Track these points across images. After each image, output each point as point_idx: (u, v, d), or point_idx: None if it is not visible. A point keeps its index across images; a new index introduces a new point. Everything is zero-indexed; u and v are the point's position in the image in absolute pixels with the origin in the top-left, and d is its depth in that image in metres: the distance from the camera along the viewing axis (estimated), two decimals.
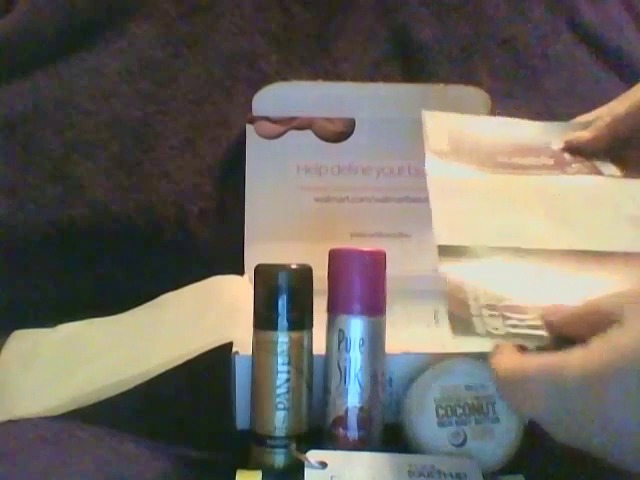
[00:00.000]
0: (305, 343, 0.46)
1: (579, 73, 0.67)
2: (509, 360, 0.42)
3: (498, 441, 0.46)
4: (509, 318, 0.42)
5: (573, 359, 0.38)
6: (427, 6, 0.65)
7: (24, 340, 0.58)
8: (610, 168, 0.54)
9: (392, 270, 0.48)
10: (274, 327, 0.46)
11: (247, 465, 0.46)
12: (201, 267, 0.57)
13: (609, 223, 0.49)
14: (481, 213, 0.49)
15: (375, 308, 0.47)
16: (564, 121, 0.58)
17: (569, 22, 0.68)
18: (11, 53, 0.64)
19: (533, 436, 0.47)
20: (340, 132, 0.62)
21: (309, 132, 0.62)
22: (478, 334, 0.41)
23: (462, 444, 0.46)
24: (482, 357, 0.47)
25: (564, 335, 0.41)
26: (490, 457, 0.46)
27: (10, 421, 0.49)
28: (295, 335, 0.46)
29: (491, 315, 0.42)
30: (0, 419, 0.49)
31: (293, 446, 0.45)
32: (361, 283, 0.47)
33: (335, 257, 0.47)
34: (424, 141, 0.53)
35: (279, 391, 0.46)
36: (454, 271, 0.44)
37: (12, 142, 0.62)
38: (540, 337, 0.41)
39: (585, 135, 0.55)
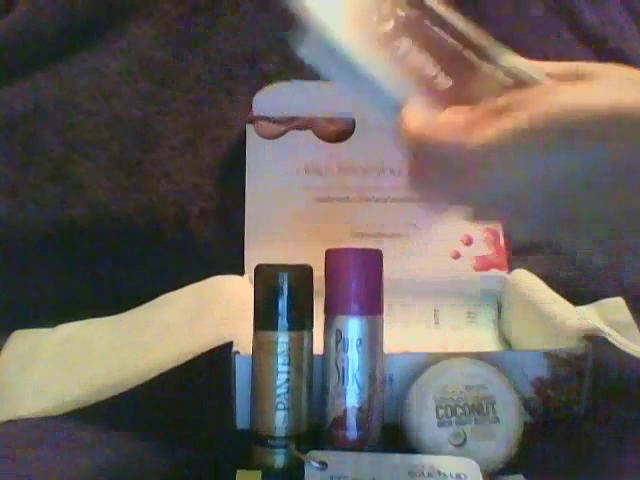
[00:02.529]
0: (305, 343, 0.46)
1: None
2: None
3: (498, 441, 0.46)
4: None
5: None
6: None
7: (24, 340, 0.58)
8: None
9: (392, 270, 0.48)
10: (274, 327, 0.46)
11: (247, 465, 0.46)
12: (201, 267, 0.57)
13: None
14: None
15: (372, 308, 0.47)
16: None
17: (569, 22, 0.68)
18: (11, 53, 0.64)
19: (533, 436, 0.47)
20: (340, 132, 0.62)
21: (309, 132, 0.62)
22: None
23: (462, 444, 0.46)
24: (482, 357, 0.47)
25: None
26: (490, 457, 0.45)
27: (10, 421, 0.49)
28: (295, 335, 0.46)
29: None
30: (0, 419, 0.49)
31: (293, 446, 0.45)
32: (357, 283, 0.46)
33: (331, 257, 0.47)
34: None
35: (279, 391, 0.46)
36: None
37: (12, 142, 0.62)
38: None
39: None
